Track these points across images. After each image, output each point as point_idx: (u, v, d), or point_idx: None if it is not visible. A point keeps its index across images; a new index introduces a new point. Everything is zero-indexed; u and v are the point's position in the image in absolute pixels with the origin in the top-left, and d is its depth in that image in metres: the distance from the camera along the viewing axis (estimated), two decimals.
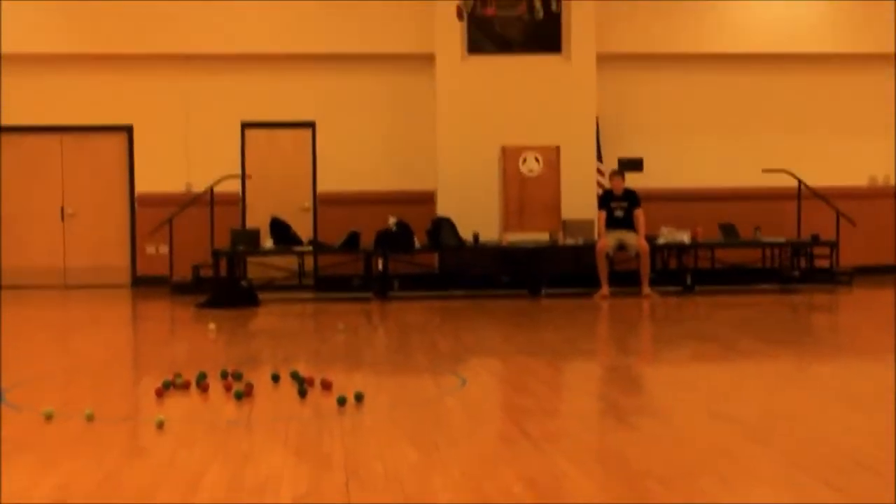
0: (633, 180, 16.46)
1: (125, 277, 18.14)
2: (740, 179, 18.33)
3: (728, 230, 16.93)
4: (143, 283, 17.87)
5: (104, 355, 10.76)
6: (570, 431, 6.83)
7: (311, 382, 8.14)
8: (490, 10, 11.19)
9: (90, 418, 7.01)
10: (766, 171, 17.70)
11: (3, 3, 17.25)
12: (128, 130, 18.09)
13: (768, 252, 17.39)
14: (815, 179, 17.72)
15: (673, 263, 16.82)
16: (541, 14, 11.55)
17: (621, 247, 15.70)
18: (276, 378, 8.44)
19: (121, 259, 18.16)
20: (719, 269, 17.37)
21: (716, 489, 5.21)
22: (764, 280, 16.95)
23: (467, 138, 17.07)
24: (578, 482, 5.42)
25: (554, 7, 11.74)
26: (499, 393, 8.62)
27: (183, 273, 16.84)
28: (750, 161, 18.18)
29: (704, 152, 18.45)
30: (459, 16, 11.48)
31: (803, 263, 17.17)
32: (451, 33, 17.32)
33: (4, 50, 17.37)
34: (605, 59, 17.64)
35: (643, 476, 5.48)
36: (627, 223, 15.65)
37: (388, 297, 15.60)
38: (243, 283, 15.44)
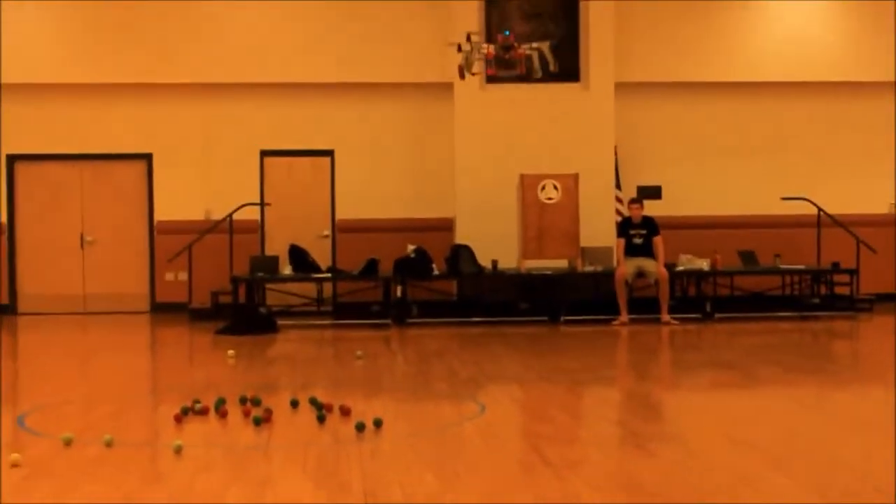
0: (651, 208, 16.43)
1: (144, 304, 18.16)
2: (759, 207, 18.28)
3: (748, 257, 16.89)
4: (162, 310, 17.88)
5: (123, 381, 10.78)
6: (589, 458, 6.81)
7: (329, 408, 8.13)
8: (490, 70, 11.27)
9: (109, 444, 7.01)
10: (785, 198, 17.66)
11: (22, 33, 17.35)
12: (147, 158, 18.14)
13: (788, 279, 17.33)
14: (835, 207, 17.66)
15: (692, 291, 16.77)
16: (539, 74, 11.68)
17: (640, 274, 15.67)
18: (294, 404, 8.44)
19: (140, 286, 18.19)
20: (739, 297, 17.30)
21: None
22: (784, 307, 16.88)
23: (486, 166, 17.07)
24: None
25: (552, 67, 11.89)
26: (518, 420, 8.61)
27: (202, 300, 16.87)
28: (769, 188, 18.13)
29: (723, 180, 18.41)
30: (461, 75, 11.53)
31: (823, 290, 17.09)
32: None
33: (25, 79, 17.47)
34: (624, 88, 17.64)
35: (663, 502, 5.45)
36: (646, 251, 15.62)
37: (406, 323, 15.58)
38: (262, 309, 15.44)
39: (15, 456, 6.51)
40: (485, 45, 11.38)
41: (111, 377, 11.10)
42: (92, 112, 17.87)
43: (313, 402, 8.40)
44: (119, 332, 15.59)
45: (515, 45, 11.36)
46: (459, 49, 11.59)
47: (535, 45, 11.68)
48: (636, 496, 5.73)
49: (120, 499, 5.68)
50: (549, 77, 15.17)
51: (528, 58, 11.53)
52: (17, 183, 18.04)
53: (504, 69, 11.50)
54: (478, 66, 11.14)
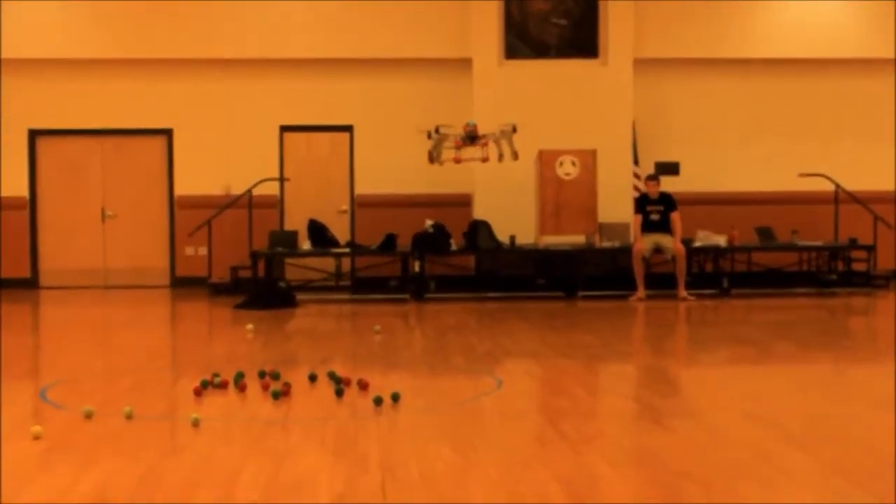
0: (669, 184, 16.43)
1: (164, 278, 18.25)
2: (777, 183, 18.25)
3: (765, 233, 16.88)
4: (182, 284, 17.97)
5: (143, 355, 10.85)
6: (606, 433, 6.85)
7: (347, 383, 8.18)
8: (456, 157, 11.75)
9: (129, 416, 7.08)
10: (802, 174, 17.63)
11: (45, 8, 17.40)
12: (168, 134, 18.20)
13: (805, 256, 17.32)
14: (852, 183, 17.63)
15: (709, 267, 16.79)
16: (501, 160, 12.15)
17: (657, 250, 15.68)
18: (313, 378, 8.49)
19: (160, 260, 18.27)
20: (756, 273, 17.31)
21: (754, 492, 5.22)
22: (801, 284, 16.89)
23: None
24: (614, 484, 5.44)
25: (513, 154, 12.31)
26: (535, 394, 8.64)
27: (221, 274, 16.94)
28: (787, 165, 18.11)
29: (741, 156, 18.38)
30: (430, 159, 11.90)
31: (840, 267, 17.09)
32: (488, 38, 17.36)
33: (46, 55, 17.54)
34: (642, 64, 17.62)
35: (680, 478, 5.49)
36: (663, 227, 15.62)
37: (424, 298, 15.63)
38: (281, 284, 15.50)
39: (37, 428, 6.57)
40: (452, 135, 11.93)
41: (131, 351, 11.17)
42: (113, 87, 17.92)
43: (331, 376, 8.46)
44: (139, 307, 15.67)
45: (479, 134, 12.41)
46: (429, 136, 11.97)
47: (498, 132, 12.27)
48: (653, 471, 5.76)
49: (140, 471, 5.74)
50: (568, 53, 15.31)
51: (496, 139, 12.21)
52: (39, 158, 18.13)
53: (469, 155, 12.15)
54: (446, 154, 11.64)
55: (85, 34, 17.59)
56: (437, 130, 12.33)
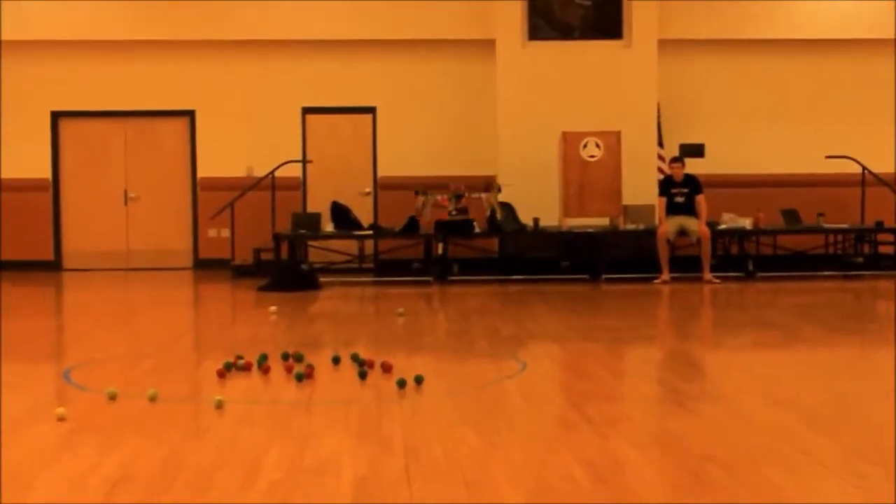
0: (694, 166, 16.35)
1: (187, 260, 18.27)
2: (803, 166, 18.14)
3: (790, 216, 16.78)
4: (205, 266, 17.98)
5: (167, 337, 10.86)
6: (630, 416, 6.82)
7: (371, 365, 8.16)
8: (444, 215, 12.03)
9: (153, 398, 7.08)
10: (829, 157, 17.53)
11: None
12: (190, 115, 18.20)
13: (831, 238, 17.22)
14: (879, 165, 17.51)
15: (734, 249, 16.71)
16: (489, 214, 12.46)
17: (682, 232, 15.61)
18: (336, 360, 8.48)
19: (183, 242, 18.29)
20: (781, 256, 17.22)
21: (779, 476, 5.18)
22: (827, 267, 16.78)
23: (528, 124, 17.02)
24: (639, 467, 5.41)
25: (498, 215, 12.50)
26: (559, 377, 8.62)
27: (244, 256, 16.95)
28: (813, 147, 17.99)
29: (767, 138, 18.27)
30: (418, 216, 12.13)
31: (867, 250, 16.99)
32: (511, 19, 17.29)
33: (68, 37, 17.54)
34: (667, 45, 17.52)
35: (704, 461, 5.45)
36: (688, 209, 15.54)
37: (447, 281, 15.60)
38: (304, 266, 15.50)
39: (61, 410, 6.58)
40: (439, 196, 12.32)
41: (155, 333, 11.19)
42: (135, 69, 17.92)
43: (355, 358, 8.44)
44: (162, 289, 15.70)
45: (465, 193, 12.80)
46: (416, 194, 12.26)
47: (484, 195, 12.55)
48: (677, 454, 5.73)
49: (163, 453, 5.73)
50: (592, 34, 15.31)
51: (481, 200, 12.57)
52: (62, 140, 18.16)
53: (458, 213, 12.40)
54: (431, 213, 11.94)
55: (107, 16, 17.58)
56: (424, 192, 12.67)
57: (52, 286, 16.21)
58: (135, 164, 18.24)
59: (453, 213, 12.34)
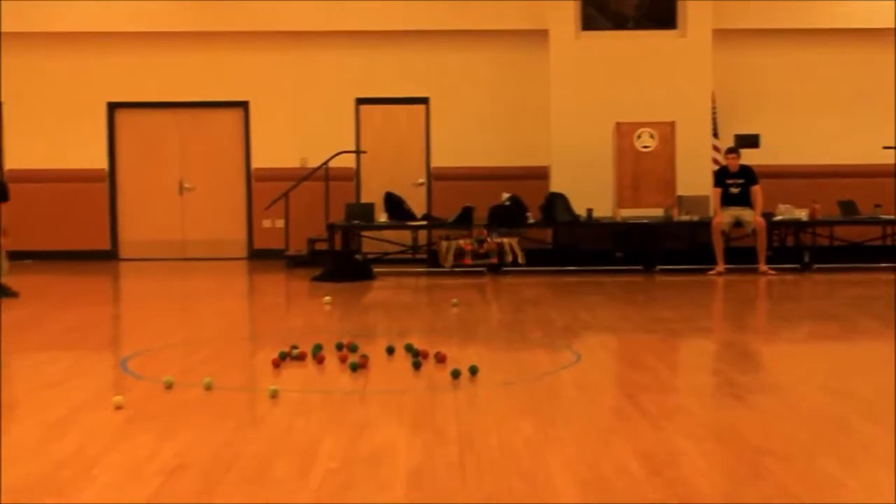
0: (749, 157, 16.24)
1: (242, 250, 18.36)
2: (860, 156, 17.97)
3: (847, 207, 16.62)
4: (260, 257, 18.07)
5: (222, 326, 10.93)
6: (686, 408, 6.78)
7: (425, 355, 8.17)
8: (467, 260, 11.98)
9: (209, 387, 7.12)
10: (886, 147, 17.35)
11: None
12: (244, 106, 18.28)
13: (888, 229, 17.03)
14: None
15: (790, 241, 16.57)
16: (508, 259, 12.44)
17: (737, 223, 15.51)
18: (390, 351, 8.49)
19: (238, 232, 18.38)
20: (838, 247, 17.06)
21: (835, 468, 5.14)
22: (884, 258, 16.60)
23: (581, 114, 16.97)
24: (695, 459, 5.38)
25: (520, 259, 12.40)
26: (614, 369, 8.59)
27: (298, 246, 17.02)
28: (870, 137, 17.80)
29: (823, 128, 18.11)
30: (441, 262, 12.12)
31: None
32: (565, 10, 17.23)
33: (124, 28, 17.67)
34: (722, 35, 17.40)
35: (761, 454, 5.42)
36: (743, 200, 15.44)
37: (501, 272, 15.58)
38: (358, 256, 15.53)
39: (118, 398, 6.63)
40: (462, 241, 12.33)
41: (210, 322, 11.26)
42: (190, 60, 18.03)
43: (409, 348, 8.45)
44: (217, 278, 15.79)
45: (488, 239, 12.88)
46: (441, 239, 13.08)
47: (505, 239, 12.57)
48: (733, 446, 5.69)
49: (219, 441, 5.77)
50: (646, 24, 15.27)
51: (500, 246, 12.52)
52: (118, 130, 18.30)
53: (479, 258, 12.45)
54: (451, 259, 11.99)
55: (163, 8, 17.69)
56: (447, 238, 12.82)
57: (109, 276, 16.35)
58: (190, 155, 18.36)
59: (477, 251, 12.43)
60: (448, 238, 12.84)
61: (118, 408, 6.54)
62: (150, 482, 4.99)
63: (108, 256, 18.18)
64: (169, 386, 7.17)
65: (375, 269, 15.29)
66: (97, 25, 17.62)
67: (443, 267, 15.36)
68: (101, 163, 18.24)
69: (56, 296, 13.50)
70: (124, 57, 18.02)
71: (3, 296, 12.67)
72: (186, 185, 18.35)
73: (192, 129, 18.37)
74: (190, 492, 4.86)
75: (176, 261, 18.06)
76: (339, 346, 8.51)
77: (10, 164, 17.86)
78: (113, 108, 18.25)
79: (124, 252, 18.33)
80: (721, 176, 15.66)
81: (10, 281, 12.87)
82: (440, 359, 8.08)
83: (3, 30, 17.50)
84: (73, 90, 18.01)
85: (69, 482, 5.02)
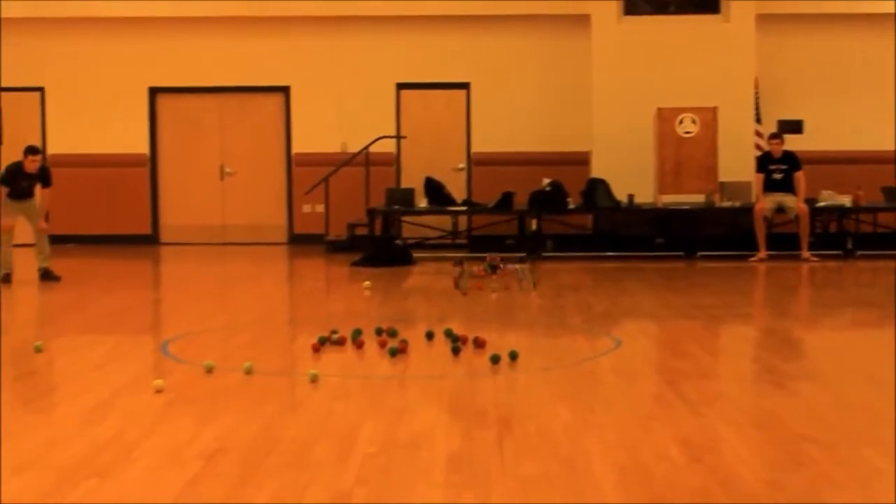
0: (792, 142, 16.12)
1: (282, 235, 18.40)
2: None
3: (891, 193, 16.45)
4: (300, 241, 18.09)
5: (262, 311, 10.96)
6: (727, 395, 6.74)
7: (464, 340, 8.16)
8: (479, 285, 11.93)
9: (249, 372, 7.14)
10: None
11: None
12: (285, 91, 18.30)
13: None
14: None
15: (833, 227, 16.44)
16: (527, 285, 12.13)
17: (780, 209, 15.41)
18: (430, 336, 8.49)
19: (278, 217, 18.42)
20: (881, 234, 16.90)
21: (876, 456, 5.10)
22: None
23: (623, 99, 16.88)
24: (735, 446, 5.35)
25: (533, 285, 12.31)
26: (654, 355, 8.56)
27: (338, 231, 17.04)
28: None
29: (867, 114, 17.94)
30: (456, 285, 12.11)
31: None
32: None
33: (166, 13, 17.72)
34: (765, 19, 17.27)
35: (802, 441, 5.39)
36: (786, 186, 15.33)
37: (541, 257, 15.55)
38: (398, 241, 15.54)
39: (159, 382, 6.67)
40: (475, 266, 12.70)
41: (250, 307, 11.29)
42: (231, 45, 18.06)
43: (448, 334, 8.45)
44: (257, 263, 15.84)
45: (500, 265, 12.76)
46: (454, 264, 12.86)
47: (517, 266, 12.52)
48: (774, 433, 5.66)
49: (259, 425, 5.79)
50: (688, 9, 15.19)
51: (516, 271, 12.57)
52: (159, 115, 18.36)
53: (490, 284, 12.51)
54: (468, 283, 12.00)
55: None
56: (461, 262, 12.86)
57: (150, 260, 16.42)
58: (231, 140, 18.40)
59: (489, 274, 12.51)
60: (461, 263, 12.97)
61: (158, 391, 6.57)
62: (191, 465, 5.02)
63: (149, 241, 18.27)
64: (209, 370, 7.20)
65: (415, 255, 15.29)
66: (139, 10, 17.67)
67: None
68: (143, 148, 18.32)
69: (98, 280, 13.58)
70: (166, 42, 18.08)
71: (45, 279, 12.76)
72: (227, 170, 18.40)
73: (234, 114, 18.40)
74: (229, 475, 4.88)
75: (216, 245, 18.12)
76: (379, 331, 8.52)
77: (52, 150, 17.96)
78: (154, 92, 18.31)
79: (165, 236, 18.41)
80: (764, 161, 15.56)
81: (53, 265, 12.96)
82: (479, 344, 8.08)
83: (46, 15, 17.60)
84: (114, 75, 18.08)
85: (110, 464, 5.05)
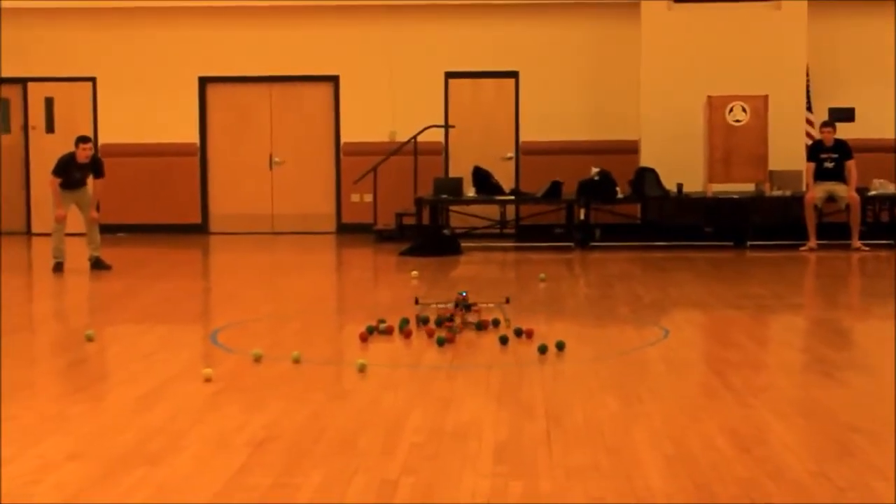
0: (844, 131, 15.98)
1: (331, 224, 18.44)
2: None
3: None
4: (348, 231, 18.13)
5: (311, 300, 11.00)
6: (775, 385, 6.71)
7: (518, 331, 8.15)
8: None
9: (297, 361, 7.18)
10: None
11: None
12: (334, 81, 18.34)
13: None
14: None
15: (885, 216, 16.29)
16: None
17: (831, 199, 15.28)
18: (479, 326, 8.49)
19: (326, 206, 18.46)
20: None
21: None
22: None
23: (672, 88, 16.77)
24: (783, 436, 5.33)
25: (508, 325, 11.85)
26: (702, 345, 8.53)
27: (386, 221, 17.06)
28: None
29: None
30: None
31: None
32: None
33: (215, 3, 17.79)
34: (817, 6, 17.09)
35: (851, 431, 5.35)
36: (837, 175, 15.21)
37: (589, 246, 15.51)
38: (446, 231, 15.55)
39: (208, 371, 6.71)
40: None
41: (299, 296, 11.33)
42: (280, 34, 18.11)
43: (496, 323, 8.45)
44: (306, 252, 15.90)
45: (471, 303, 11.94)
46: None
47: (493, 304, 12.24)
48: (822, 423, 5.63)
49: (306, 414, 5.82)
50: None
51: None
52: (209, 105, 18.45)
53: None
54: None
55: None
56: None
57: (200, 249, 16.53)
58: (280, 129, 18.47)
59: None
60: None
61: (208, 380, 6.62)
62: (239, 453, 5.05)
63: (198, 230, 18.37)
64: (258, 359, 7.24)
65: (463, 244, 15.29)
66: (190, 0, 17.76)
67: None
68: (193, 137, 18.42)
69: (148, 269, 13.69)
70: (216, 31, 18.16)
71: (96, 268, 12.88)
72: (276, 160, 18.47)
73: (283, 104, 18.46)
74: (277, 463, 4.92)
75: (265, 235, 18.20)
76: (425, 321, 8.53)
77: (103, 139, 18.10)
78: (204, 82, 18.40)
79: (214, 226, 18.50)
80: (815, 150, 15.44)
81: (103, 254, 13.07)
82: (527, 334, 8.08)
83: (97, 5, 17.74)
84: (165, 65, 18.18)
85: (159, 452, 5.10)
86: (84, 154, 12.97)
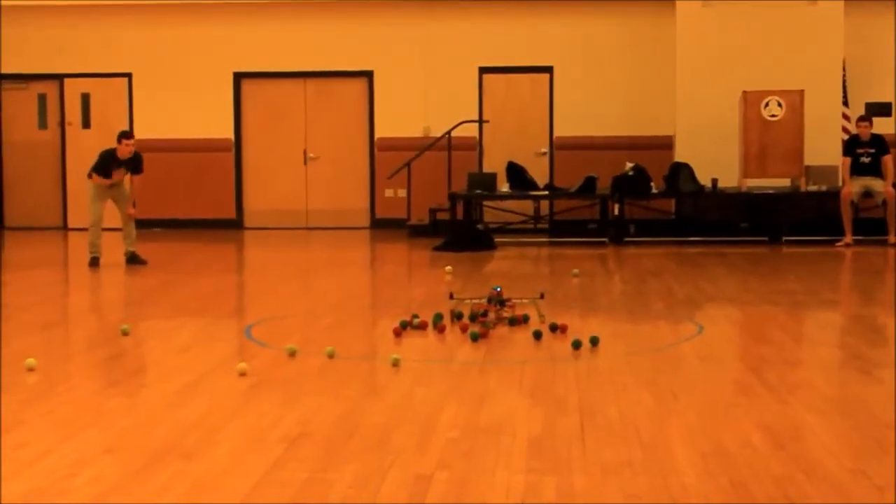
0: (881, 126, 15.88)
1: (365, 220, 18.47)
2: None
3: None
4: (382, 226, 18.17)
5: (344, 295, 11.01)
6: (810, 382, 6.68)
7: (553, 327, 8.14)
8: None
9: (331, 356, 7.19)
10: None
11: None
12: (368, 76, 18.37)
13: None
14: None
15: None
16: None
17: (867, 194, 15.19)
18: (513, 322, 8.48)
19: (360, 202, 18.50)
20: None
21: None
22: None
23: (707, 83, 16.71)
24: (819, 433, 5.30)
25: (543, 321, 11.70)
26: (737, 341, 8.49)
27: (420, 216, 17.07)
28: None
29: None
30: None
31: None
32: None
33: None
34: (853, 1, 16.99)
35: (887, 429, 5.32)
36: (874, 170, 15.12)
37: (623, 242, 15.47)
38: (479, 226, 15.54)
39: (242, 365, 6.73)
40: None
41: (333, 291, 11.35)
42: (315, 29, 18.15)
43: (527, 319, 8.44)
44: (340, 248, 15.92)
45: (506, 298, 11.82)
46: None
47: (528, 300, 12.13)
48: (859, 421, 5.60)
49: (341, 409, 5.83)
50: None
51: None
52: (244, 100, 18.51)
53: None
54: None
55: None
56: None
57: (234, 244, 16.58)
58: (314, 125, 18.51)
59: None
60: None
61: (242, 375, 6.64)
62: (273, 448, 5.07)
63: (233, 225, 18.43)
64: (292, 354, 7.26)
65: (497, 239, 15.28)
66: None
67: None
68: (228, 132, 18.48)
69: (183, 264, 13.75)
70: (251, 27, 18.22)
71: (132, 263, 12.93)
72: (311, 155, 18.51)
73: (317, 99, 18.50)
74: (312, 459, 4.93)
75: (299, 230, 18.24)
76: (458, 316, 8.52)
77: (138, 134, 18.06)
78: (239, 77, 18.46)
79: (249, 221, 18.56)
80: (851, 145, 15.35)
81: (139, 249, 13.13)
82: (561, 329, 8.07)
83: (133, 3, 17.83)
84: (200, 61, 18.26)
85: (195, 446, 5.12)
86: (126, 150, 13.02)
